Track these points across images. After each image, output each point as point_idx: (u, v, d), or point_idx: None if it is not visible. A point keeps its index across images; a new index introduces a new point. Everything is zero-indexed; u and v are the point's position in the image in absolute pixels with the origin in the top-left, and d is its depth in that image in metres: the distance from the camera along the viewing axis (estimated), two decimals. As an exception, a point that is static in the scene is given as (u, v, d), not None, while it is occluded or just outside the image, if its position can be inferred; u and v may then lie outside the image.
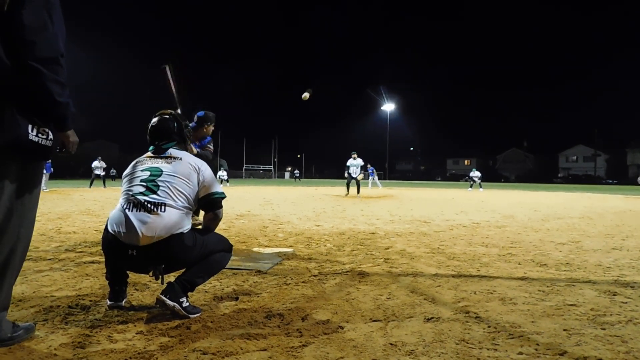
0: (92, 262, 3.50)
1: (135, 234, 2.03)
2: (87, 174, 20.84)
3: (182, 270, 2.25)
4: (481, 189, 24.45)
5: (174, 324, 2.07)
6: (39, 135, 1.70)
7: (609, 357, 1.74)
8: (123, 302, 2.33)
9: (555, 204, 12.23)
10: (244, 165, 76.23)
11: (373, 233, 5.53)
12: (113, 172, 26.34)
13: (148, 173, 2.21)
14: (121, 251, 2.10)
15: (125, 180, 2.28)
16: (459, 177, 60.71)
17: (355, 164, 15.15)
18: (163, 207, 2.10)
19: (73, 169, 24.16)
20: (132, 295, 2.56)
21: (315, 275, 3.15)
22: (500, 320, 2.19)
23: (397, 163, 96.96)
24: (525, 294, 2.70)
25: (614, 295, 2.68)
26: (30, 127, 1.66)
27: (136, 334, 1.95)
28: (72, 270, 3.21)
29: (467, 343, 1.88)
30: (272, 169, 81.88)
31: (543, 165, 78.13)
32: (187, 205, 2.21)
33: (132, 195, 2.14)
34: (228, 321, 2.13)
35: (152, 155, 2.34)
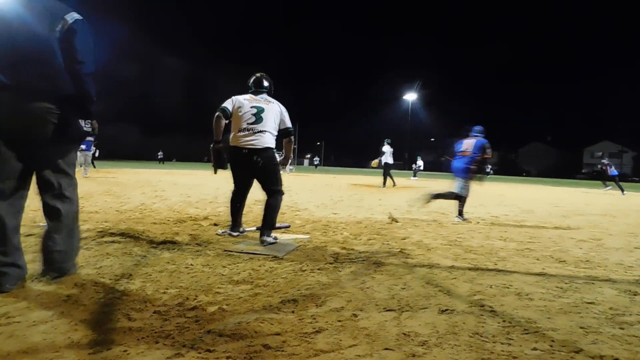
0: (113, 241, 3.58)
1: (251, 144, 3.79)
2: (105, 156, 20.04)
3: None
4: (414, 178, 24.51)
5: (190, 305, 2.12)
6: (86, 125, 2.42)
7: (627, 357, 1.71)
8: (240, 231, 4.21)
9: (577, 200, 11.98)
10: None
11: (390, 223, 5.52)
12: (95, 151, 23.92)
13: (255, 110, 3.85)
14: (240, 157, 3.83)
15: (240, 112, 3.86)
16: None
17: (383, 150, 14.27)
18: (264, 132, 3.84)
19: (98, 153, 24.55)
20: (150, 275, 2.62)
21: (330, 263, 3.16)
22: (516, 315, 2.17)
23: (417, 154, 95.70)
24: (542, 289, 2.67)
25: (635, 295, 2.63)
26: (81, 121, 2.39)
27: (154, 313, 2.00)
28: (93, 248, 3.29)
29: (481, 336, 1.87)
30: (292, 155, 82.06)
31: (566, 161, 76.13)
32: (275, 132, 3.95)
33: (247, 125, 3.82)
34: (243, 305, 2.16)
35: (253, 97, 3.96)
